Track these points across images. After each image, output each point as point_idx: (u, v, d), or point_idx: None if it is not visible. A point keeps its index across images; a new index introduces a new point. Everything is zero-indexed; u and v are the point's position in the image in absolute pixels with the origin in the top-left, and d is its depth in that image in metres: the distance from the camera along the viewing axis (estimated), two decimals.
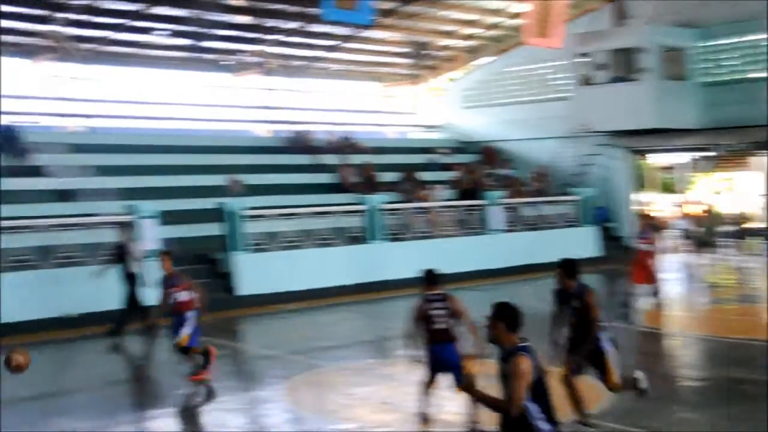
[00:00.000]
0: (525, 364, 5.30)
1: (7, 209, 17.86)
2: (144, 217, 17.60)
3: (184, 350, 11.25)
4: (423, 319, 8.56)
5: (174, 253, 17.63)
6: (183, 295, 11.27)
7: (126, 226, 15.96)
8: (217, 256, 19.05)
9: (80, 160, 21.53)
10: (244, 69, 28.78)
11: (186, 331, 11.13)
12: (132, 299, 15.24)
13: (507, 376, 5.36)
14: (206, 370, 11.15)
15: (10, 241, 16.19)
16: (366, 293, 19.14)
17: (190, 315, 11.21)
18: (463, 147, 30.12)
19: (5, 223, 16.27)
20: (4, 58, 25.42)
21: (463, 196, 24.29)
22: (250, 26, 26.75)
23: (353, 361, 12.90)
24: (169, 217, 18.31)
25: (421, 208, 22.52)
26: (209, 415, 10.11)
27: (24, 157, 20.71)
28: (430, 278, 8.86)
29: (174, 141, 24.51)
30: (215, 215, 19.11)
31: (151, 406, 11.07)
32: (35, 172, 20.69)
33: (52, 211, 18.35)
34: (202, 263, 19.04)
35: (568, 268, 8.46)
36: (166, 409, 10.54)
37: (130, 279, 15.26)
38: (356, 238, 20.74)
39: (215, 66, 28.54)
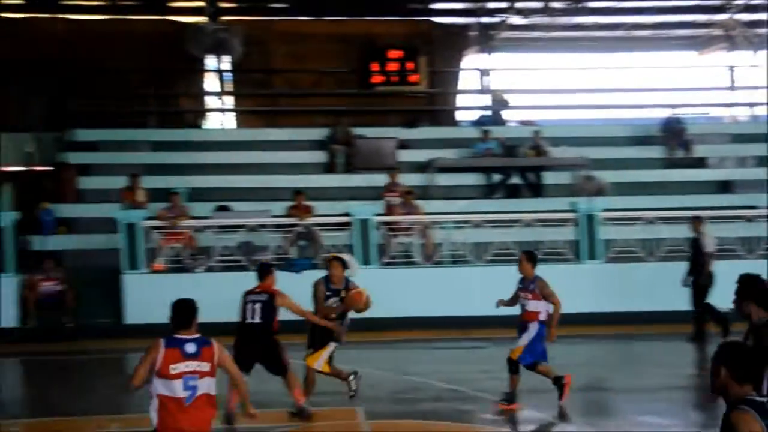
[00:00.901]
0: (743, 424, 4.06)
1: (670, 200, 18.27)
2: None
3: (512, 364, 9.80)
4: None
5: None
6: (531, 305, 9.85)
7: (698, 220, 14.85)
8: None
9: (740, 150, 20.90)
10: None
11: (521, 342, 9.77)
12: (700, 298, 14.15)
13: None
14: (562, 396, 9.74)
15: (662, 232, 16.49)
16: None
17: (532, 327, 9.78)
18: None
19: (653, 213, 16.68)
20: (673, 53, 26.13)
21: None
22: None
23: None
24: None
25: None
26: None
27: (686, 148, 20.86)
28: None
29: None
30: None
31: None
32: (697, 163, 20.70)
33: (712, 203, 18.12)
34: None
35: None
36: None
37: (701, 277, 14.22)
38: None
39: None
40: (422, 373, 11.81)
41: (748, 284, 5.96)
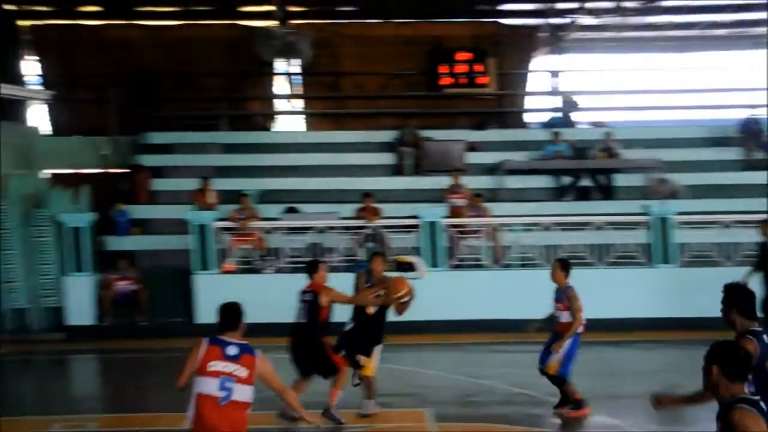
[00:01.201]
0: (748, 421, 4.08)
1: (748, 203, 17.75)
2: None
3: (553, 379, 9.74)
4: None
5: None
6: (564, 316, 9.60)
7: (766, 224, 14.30)
8: None
9: None
10: None
11: (555, 358, 9.56)
12: None
13: None
14: (579, 411, 9.66)
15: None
16: None
17: (567, 339, 9.53)
18: None
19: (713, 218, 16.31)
20: (751, 51, 25.42)
21: None
22: None
23: None
24: None
25: None
26: None
27: (766, 150, 20.28)
28: None
29: None
30: None
31: None
32: None
33: None
34: None
35: None
36: None
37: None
38: None
39: None
40: (491, 376, 11.70)
41: (732, 293, 5.96)
